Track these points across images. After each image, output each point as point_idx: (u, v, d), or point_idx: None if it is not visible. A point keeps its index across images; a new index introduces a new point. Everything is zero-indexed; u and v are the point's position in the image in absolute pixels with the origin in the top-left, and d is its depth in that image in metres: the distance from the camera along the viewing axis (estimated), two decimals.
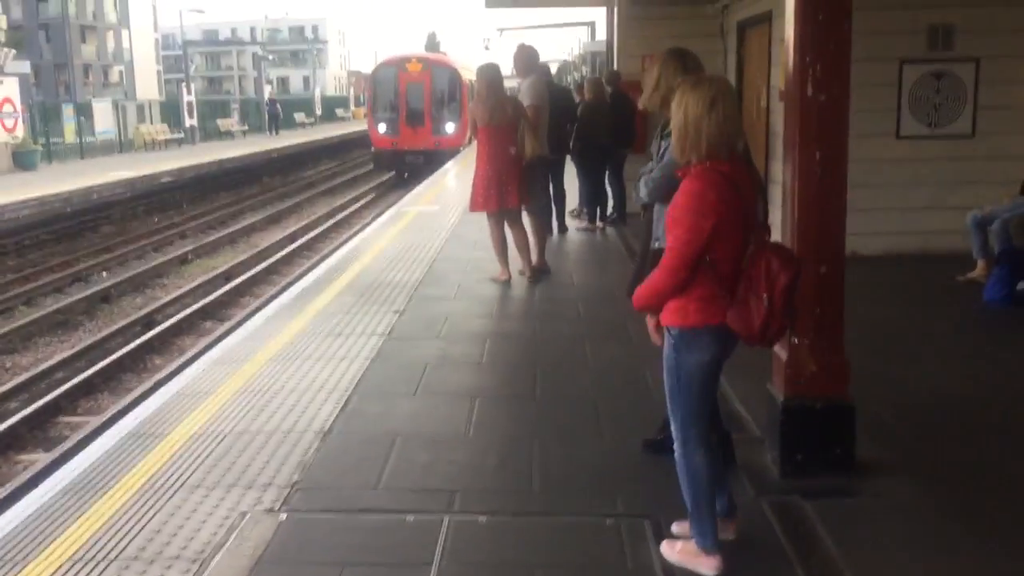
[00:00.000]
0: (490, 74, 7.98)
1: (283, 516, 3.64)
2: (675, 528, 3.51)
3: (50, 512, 3.68)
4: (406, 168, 26.08)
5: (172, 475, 4.02)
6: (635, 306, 3.27)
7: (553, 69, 35.71)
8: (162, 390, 5.30)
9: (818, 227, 3.96)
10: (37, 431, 7.71)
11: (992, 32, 8.55)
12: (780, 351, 4.10)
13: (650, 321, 3.33)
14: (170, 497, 3.80)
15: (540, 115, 8.22)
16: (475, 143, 8.18)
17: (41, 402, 8.10)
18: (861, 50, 8.30)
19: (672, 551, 3.34)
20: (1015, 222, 7.25)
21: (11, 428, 7.50)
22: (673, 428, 3.29)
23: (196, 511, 3.67)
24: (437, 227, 11.42)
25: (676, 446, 3.28)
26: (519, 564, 3.33)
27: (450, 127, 26.74)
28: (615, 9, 13.52)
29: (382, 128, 26.82)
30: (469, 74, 25.69)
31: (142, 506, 3.72)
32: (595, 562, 3.37)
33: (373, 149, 27.50)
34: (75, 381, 8.73)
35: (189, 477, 4.00)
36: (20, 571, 3.22)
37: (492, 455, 4.32)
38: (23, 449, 7.34)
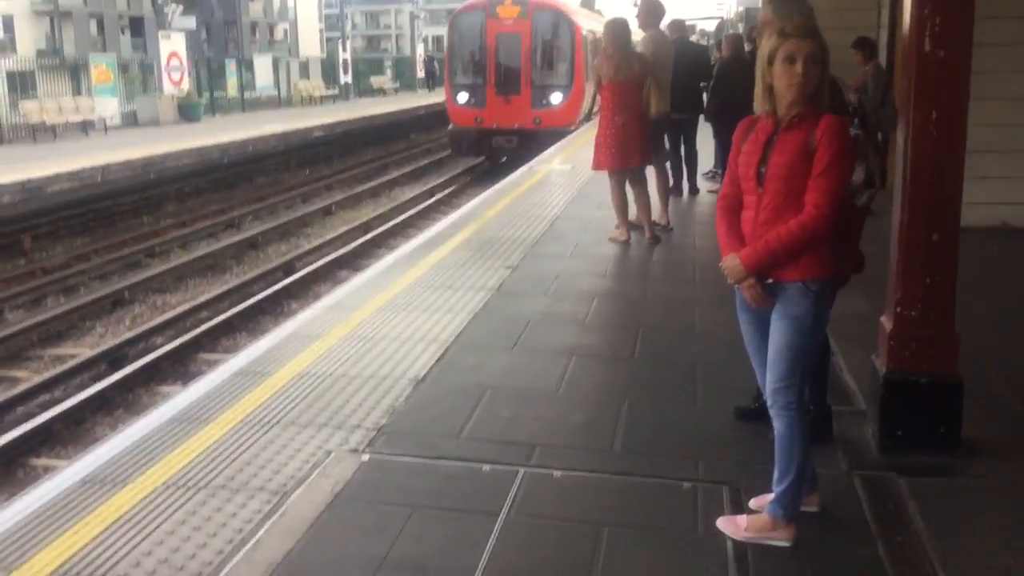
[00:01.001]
0: (617, 28, 7.83)
1: (365, 457, 3.77)
2: (754, 503, 3.39)
3: (154, 440, 3.95)
4: (496, 153, 19.77)
5: (270, 412, 4.23)
6: (765, 262, 3.03)
7: (711, 26, 34.58)
8: (274, 332, 5.57)
9: (931, 192, 3.70)
10: (178, 365, 8.27)
11: None
12: (886, 321, 3.89)
13: (757, 284, 3.07)
14: (265, 432, 4.00)
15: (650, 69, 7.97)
16: (594, 118, 8.02)
17: (184, 338, 8.68)
18: (1020, 7, 7.75)
19: (738, 528, 3.22)
20: None
21: (154, 361, 8.08)
22: (787, 394, 3.10)
23: (287, 447, 3.86)
24: (566, 185, 11.38)
25: (786, 412, 3.11)
26: (587, 520, 3.33)
27: (556, 98, 19.26)
28: None
29: (462, 98, 19.67)
30: (594, 24, 21.14)
31: (238, 439, 3.94)
32: (664, 525, 3.32)
33: (451, 127, 20.28)
34: (216, 320, 9.30)
35: (286, 415, 4.20)
36: (118, 491, 3.49)
37: (579, 413, 4.31)
38: (164, 381, 7.89)
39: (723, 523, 3.27)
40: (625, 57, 7.70)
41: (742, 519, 3.25)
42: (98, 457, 3.75)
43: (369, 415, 4.19)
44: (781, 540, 3.16)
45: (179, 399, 4.43)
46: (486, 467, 3.71)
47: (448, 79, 20.35)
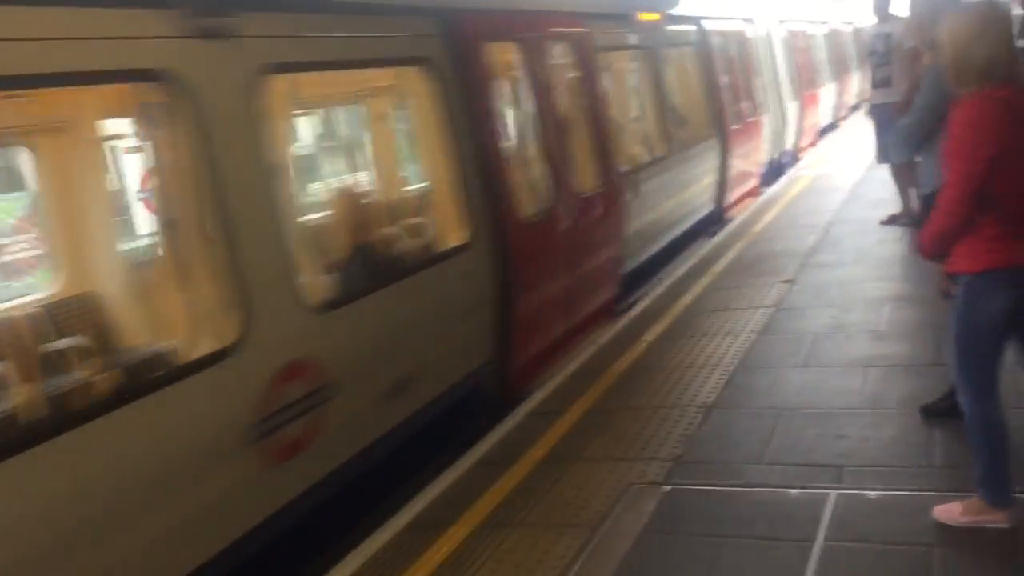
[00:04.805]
0: None
1: (666, 488, 3.77)
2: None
3: (466, 482, 4.18)
4: None
5: (567, 448, 4.35)
6: (924, 255, 3.09)
7: None
8: (562, 371, 5.71)
9: None
10: None
11: None
12: None
13: (939, 270, 2.99)
14: (564, 470, 4.11)
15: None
16: None
17: None
18: None
19: (953, 514, 3.13)
20: None
21: None
22: (961, 383, 3.07)
23: (588, 482, 3.94)
24: (834, 189, 10.80)
25: (967, 402, 3.07)
26: (913, 543, 3.11)
27: None
28: None
29: None
30: None
31: (541, 478, 4.07)
32: (1004, 542, 3.03)
33: None
34: None
35: (583, 451, 4.30)
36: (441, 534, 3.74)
37: (886, 428, 4.05)
38: None
39: (942, 512, 3.19)
40: None
41: (955, 505, 3.18)
42: (420, 502, 4.03)
43: (663, 445, 4.19)
44: (1000, 523, 3.07)
45: (484, 442, 4.66)
46: (793, 491, 3.58)
47: None
